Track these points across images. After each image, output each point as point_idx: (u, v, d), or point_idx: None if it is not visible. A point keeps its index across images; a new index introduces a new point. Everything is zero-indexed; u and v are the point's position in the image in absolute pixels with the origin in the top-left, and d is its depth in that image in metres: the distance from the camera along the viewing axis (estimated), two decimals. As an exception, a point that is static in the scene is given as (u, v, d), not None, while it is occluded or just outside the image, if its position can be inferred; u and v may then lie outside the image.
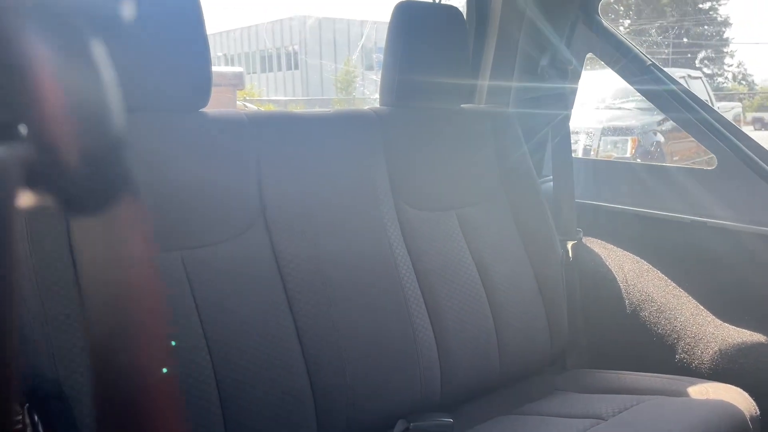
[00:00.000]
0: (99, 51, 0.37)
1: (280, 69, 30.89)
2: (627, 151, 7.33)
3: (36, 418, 0.98)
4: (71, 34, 0.37)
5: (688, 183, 1.73)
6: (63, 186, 0.33)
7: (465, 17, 1.75)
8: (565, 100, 1.85)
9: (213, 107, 1.37)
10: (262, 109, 18.50)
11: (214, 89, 1.28)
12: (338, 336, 1.28)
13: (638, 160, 7.42)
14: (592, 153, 7.34)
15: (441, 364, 1.40)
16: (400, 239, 1.42)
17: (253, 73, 31.29)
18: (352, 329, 1.30)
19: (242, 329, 1.17)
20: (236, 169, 1.25)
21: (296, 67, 29.99)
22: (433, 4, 1.59)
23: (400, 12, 1.51)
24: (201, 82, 1.22)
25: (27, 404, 0.99)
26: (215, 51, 31.93)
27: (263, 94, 27.48)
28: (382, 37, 1.57)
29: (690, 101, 1.67)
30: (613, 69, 1.80)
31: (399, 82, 1.51)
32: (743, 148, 1.60)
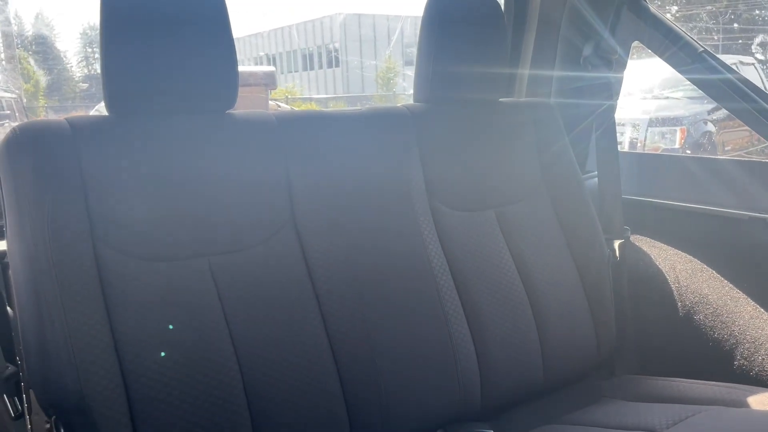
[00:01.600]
0: None
1: (321, 67, 31.03)
2: (676, 142, 7.07)
3: (62, 430, 0.97)
4: None
5: (745, 176, 1.62)
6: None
7: (503, 6, 1.68)
8: (610, 91, 1.76)
9: (245, 107, 1.34)
10: (304, 107, 18.68)
11: (246, 89, 1.26)
12: (372, 342, 1.23)
13: (688, 151, 7.15)
14: (638, 145, 7.11)
15: (480, 370, 1.34)
16: (435, 241, 1.36)
17: (295, 71, 31.52)
18: (386, 334, 1.25)
19: (272, 338, 1.14)
20: (265, 171, 1.22)
21: (337, 65, 30.09)
22: (469, -7, 1.52)
23: (433, 3, 1.45)
24: (227, 83, 1.19)
25: (54, 416, 0.97)
26: (257, 51, 32.31)
27: (305, 92, 27.67)
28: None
29: (746, 89, 1.56)
30: (661, 57, 1.70)
31: (433, 77, 1.45)
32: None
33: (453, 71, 1.46)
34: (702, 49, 1.62)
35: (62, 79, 26.45)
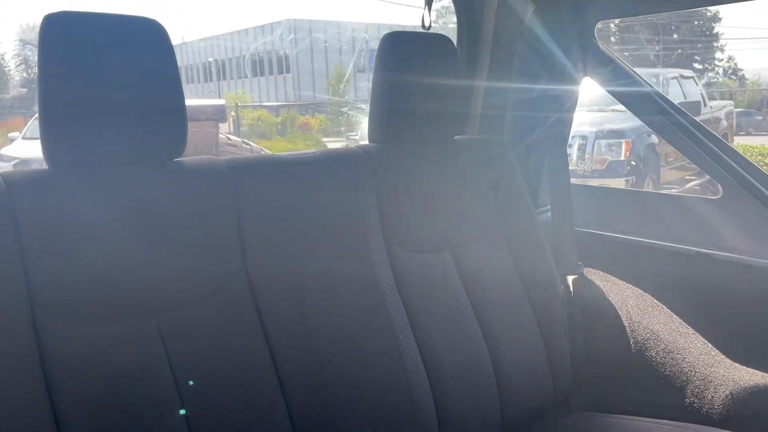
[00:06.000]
0: None
1: (271, 73, 30.75)
2: (621, 154, 7.28)
3: None
4: None
5: (692, 212, 1.67)
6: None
7: (456, 43, 1.68)
8: (562, 127, 1.78)
9: (195, 143, 1.29)
10: (254, 114, 18.42)
11: (196, 124, 1.20)
12: (327, 394, 1.20)
13: (633, 163, 7.37)
14: (587, 157, 7.29)
15: (438, 412, 1.33)
16: (392, 286, 1.35)
17: (245, 77, 31.12)
18: (341, 385, 1.22)
19: (224, 397, 1.10)
20: (215, 221, 1.17)
21: (287, 71, 29.87)
22: (423, 33, 1.52)
23: (388, 43, 1.44)
24: (175, 130, 1.14)
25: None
26: (206, 56, 31.75)
27: (255, 99, 27.33)
28: (372, 39, 1.50)
29: (694, 130, 1.60)
30: (612, 95, 1.73)
31: (389, 118, 1.44)
32: (749, 177, 1.53)
33: (408, 110, 1.45)
34: (650, 89, 1.66)
35: (-1, 84, 25.33)
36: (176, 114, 1.13)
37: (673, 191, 7.45)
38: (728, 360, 1.46)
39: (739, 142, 10.93)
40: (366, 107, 1.51)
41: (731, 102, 12.57)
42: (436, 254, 1.46)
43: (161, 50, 1.11)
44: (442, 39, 1.50)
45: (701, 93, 9.36)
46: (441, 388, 1.34)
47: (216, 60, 31.43)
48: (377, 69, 1.44)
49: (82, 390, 0.99)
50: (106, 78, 1.05)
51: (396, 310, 1.32)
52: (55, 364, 0.98)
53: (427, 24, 1.67)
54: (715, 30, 28.57)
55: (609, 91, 1.72)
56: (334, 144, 13.66)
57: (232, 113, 14.53)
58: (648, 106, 1.65)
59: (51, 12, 1.03)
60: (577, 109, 1.84)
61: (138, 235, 1.09)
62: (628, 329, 1.57)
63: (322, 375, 1.21)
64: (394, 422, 1.27)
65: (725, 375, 1.42)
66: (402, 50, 1.44)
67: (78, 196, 1.06)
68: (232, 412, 1.10)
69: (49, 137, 1.04)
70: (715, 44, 28.57)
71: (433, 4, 1.67)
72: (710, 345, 1.49)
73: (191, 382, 1.07)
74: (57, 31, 1.02)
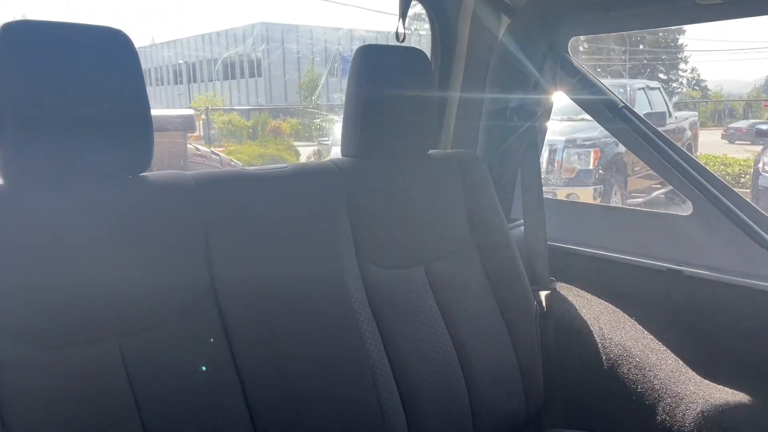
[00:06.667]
0: None
1: (242, 76, 30.50)
2: (590, 162, 7.37)
3: None
4: None
5: (663, 228, 1.68)
6: None
7: (430, 57, 1.66)
8: (535, 141, 1.78)
9: (162, 154, 1.25)
10: (225, 117, 18.23)
11: (163, 135, 1.17)
12: (297, 410, 1.17)
13: (601, 171, 7.47)
14: (556, 165, 7.37)
15: (410, 428, 1.32)
16: (364, 303, 1.32)
17: (216, 80, 30.81)
18: (312, 401, 1.19)
19: (188, 420, 1.06)
20: (181, 239, 1.13)
21: (259, 75, 29.66)
22: (397, 47, 1.50)
23: (362, 57, 1.41)
24: (141, 144, 1.10)
25: None
26: (176, 58, 31.36)
27: (226, 102, 27.07)
28: (346, 44, 1.48)
29: (663, 145, 1.61)
30: (583, 108, 1.74)
31: (362, 131, 1.41)
32: (718, 194, 1.55)
33: (381, 124, 1.43)
34: (622, 104, 1.67)
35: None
36: (141, 127, 1.09)
37: (639, 200, 7.58)
38: (698, 377, 1.47)
39: (702, 152, 11.18)
40: (339, 118, 1.49)
41: (695, 113, 12.85)
42: (409, 270, 1.44)
43: (126, 61, 1.07)
44: (416, 52, 1.49)
45: (667, 104, 9.54)
46: (413, 403, 1.33)
47: (186, 62, 31.07)
48: (351, 82, 1.42)
49: (39, 417, 0.95)
50: (67, 89, 1.01)
51: (368, 327, 1.30)
52: (11, 390, 0.93)
53: (401, 37, 1.65)
54: (680, 42, 29.28)
55: (579, 104, 1.73)
56: (305, 149, 13.58)
57: (203, 116, 14.35)
58: (617, 119, 1.66)
59: (9, 21, 0.98)
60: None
61: (100, 254, 1.04)
62: (600, 345, 1.57)
63: (292, 393, 1.18)
64: None
65: (696, 392, 1.42)
66: (376, 64, 1.42)
67: (35, 213, 1.01)
68: None
69: (5, 150, 0.99)
70: (680, 56, 29.27)
71: (407, 11, 1.66)
72: (681, 362, 1.50)
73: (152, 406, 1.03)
74: (16, 40, 0.97)
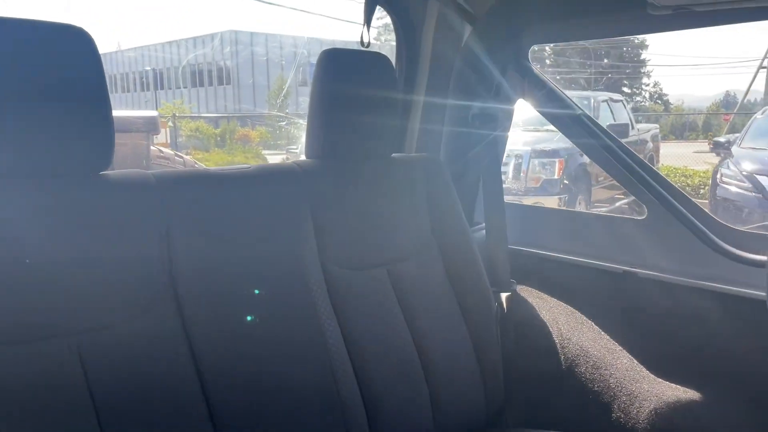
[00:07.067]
0: None
1: (211, 84, 30.25)
2: (555, 173, 7.51)
3: None
4: None
5: (620, 231, 1.73)
6: None
7: (395, 63, 1.69)
8: (496, 146, 1.81)
9: (124, 155, 1.24)
10: (192, 125, 18.03)
11: (125, 136, 1.16)
12: (257, 412, 1.17)
13: (566, 182, 7.61)
14: (521, 175, 7.48)
15: (370, 428, 1.33)
16: (327, 303, 1.33)
17: (184, 87, 30.48)
18: (272, 403, 1.20)
19: (148, 422, 1.05)
20: (141, 238, 1.13)
21: (228, 82, 29.45)
22: (361, 51, 1.52)
23: (326, 60, 1.43)
24: (101, 141, 1.10)
25: None
26: (143, 65, 30.94)
27: (194, 109, 26.79)
28: (314, 53, 1.50)
29: (620, 151, 1.66)
30: (543, 116, 1.78)
31: (326, 134, 1.43)
32: (671, 200, 1.60)
33: (345, 127, 1.45)
34: (581, 112, 1.72)
35: None
36: (102, 125, 1.09)
37: (602, 210, 7.73)
38: (652, 375, 1.51)
39: (664, 164, 11.46)
40: (305, 122, 1.50)
41: (657, 126, 13.20)
42: (372, 271, 1.45)
43: (86, 58, 1.06)
44: (380, 57, 1.51)
45: (630, 117, 9.79)
46: (373, 400, 1.34)
47: (153, 69, 30.67)
48: (315, 85, 1.44)
49: None
50: (24, 85, 1.00)
51: (329, 327, 1.31)
52: None
53: (366, 42, 1.67)
54: (642, 56, 30.06)
55: (541, 113, 1.77)
56: (274, 157, 13.52)
57: (170, 123, 14.18)
58: (578, 128, 1.70)
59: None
60: (514, 128, 1.88)
61: (58, 251, 1.03)
62: (558, 346, 1.60)
63: (252, 388, 1.17)
64: None
65: (649, 390, 1.46)
66: (340, 67, 1.44)
67: None
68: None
69: None
70: (642, 70, 30.04)
71: (374, 22, 1.68)
72: (636, 361, 1.54)
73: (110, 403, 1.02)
74: None
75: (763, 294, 1.38)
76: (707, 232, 1.59)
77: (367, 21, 1.69)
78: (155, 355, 1.09)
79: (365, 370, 1.34)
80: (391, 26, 1.89)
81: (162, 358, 1.10)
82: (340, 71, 1.44)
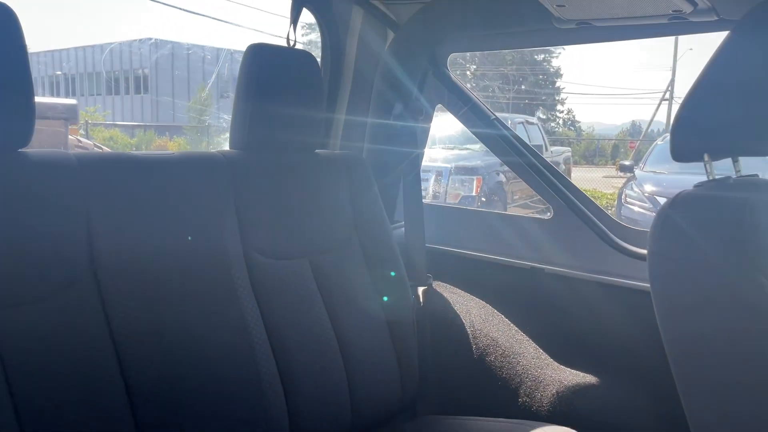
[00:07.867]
0: None
1: (128, 92, 29.23)
2: (473, 189, 7.77)
3: None
4: None
5: (528, 231, 1.84)
6: None
7: (320, 61, 1.74)
8: (416, 146, 1.90)
9: (41, 143, 1.22)
10: (106, 134, 17.34)
11: (44, 123, 1.15)
12: (176, 399, 1.17)
13: (483, 199, 7.89)
14: (442, 189, 7.70)
15: (290, 417, 1.35)
16: (249, 291, 1.35)
17: (98, 95, 29.29)
18: (193, 388, 1.20)
19: (63, 400, 1.04)
20: (60, 216, 1.12)
21: (146, 91, 28.58)
22: (287, 48, 1.56)
23: (252, 54, 1.46)
24: (21, 117, 1.09)
25: None
26: (54, 69, 29.53)
27: (108, 117, 25.78)
28: (236, 66, 1.51)
29: (528, 154, 1.78)
30: (460, 121, 1.88)
31: (250, 125, 1.46)
32: (576, 201, 1.73)
33: (269, 119, 1.48)
34: (494, 116, 1.83)
35: None
36: (21, 101, 1.08)
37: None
38: (555, 363, 1.62)
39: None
40: (227, 135, 1.52)
41: (569, 149, 13.92)
42: (294, 261, 1.48)
43: (7, 34, 1.06)
44: (305, 55, 1.56)
45: (544, 139, 10.29)
46: (294, 392, 1.36)
47: (65, 74, 29.35)
48: (241, 77, 1.46)
49: None
50: None
51: (252, 316, 1.33)
52: None
53: (291, 42, 1.72)
54: (557, 84, 31.57)
55: (456, 116, 1.87)
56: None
57: (81, 131, 13.59)
58: (485, 126, 1.82)
59: None
60: (436, 146, 1.98)
61: None
62: (470, 336, 1.68)
63: (172, 380, 1.18)
64: (246, 426, 1.27)
65: (552, 376, 1.57)
66: (266, 61, 1.47)
67: None
68: (70, 413, 1.04)
69: None
70: (557, 97, 31.52)
71: (299, 20, 1.73)
72: (541, 350, 1.65)
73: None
74: None
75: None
76: (607, 231, 1.72)
77: (294, 21, 1.74)
78: (73, 332, 1.08)
79: (285, 353, 1.36)
80: (315, 24, 1.94)
81: (80, 335, 1.09)
82: (266, 65, 1.47)
